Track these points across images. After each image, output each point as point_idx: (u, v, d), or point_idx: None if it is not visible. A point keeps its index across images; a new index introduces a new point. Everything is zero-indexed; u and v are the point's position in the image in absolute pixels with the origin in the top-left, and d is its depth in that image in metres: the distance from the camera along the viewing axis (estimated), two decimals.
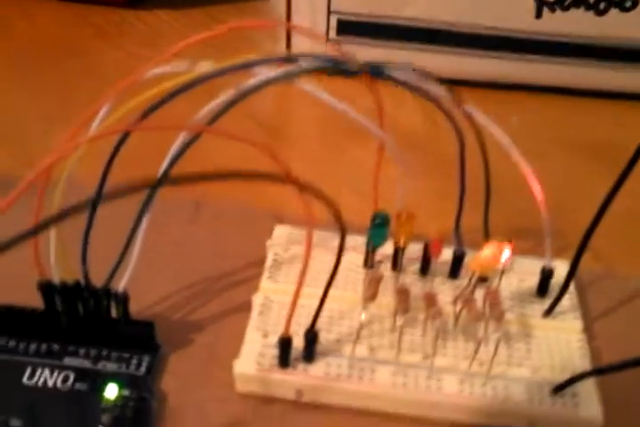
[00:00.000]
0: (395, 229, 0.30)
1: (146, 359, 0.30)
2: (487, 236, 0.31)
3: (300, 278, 0.27)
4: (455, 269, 0.33)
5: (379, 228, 0.29)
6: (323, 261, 0.35)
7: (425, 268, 0.34)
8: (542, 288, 0.33)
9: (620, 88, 0.53)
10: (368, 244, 0.33)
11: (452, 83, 0.28)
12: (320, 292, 0.32)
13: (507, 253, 0.29)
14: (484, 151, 0.29)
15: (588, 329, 0.33)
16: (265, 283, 0.33)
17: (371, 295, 0.28)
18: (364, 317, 0.28)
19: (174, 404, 0.29)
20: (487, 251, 0.27)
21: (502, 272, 0.31)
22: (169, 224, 0.38)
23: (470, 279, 0.29)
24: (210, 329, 0.32)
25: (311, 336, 0.28)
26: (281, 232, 0.36)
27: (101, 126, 0.25)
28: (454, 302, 0.30)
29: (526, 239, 0.39)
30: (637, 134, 0.28)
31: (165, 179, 0.23)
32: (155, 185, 0.21)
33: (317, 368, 0.29)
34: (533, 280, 0.34)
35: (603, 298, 0.36)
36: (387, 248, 0.35)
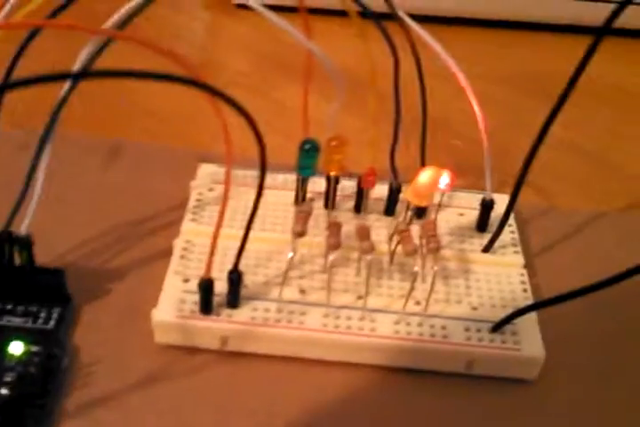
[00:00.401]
0: (325, 158, 0.27)
1: (55, 312, 0.27)
2: (424, 163, 0.29)
3: (221, 212, 0.25)
4: (391, 204, 0.31)
5: (308, 154, 0.26)
6: (251, 200, 0.32)
7: (359, 205, 0.32)
8: (482, 222, 0.31)
9: (551, 20, 0.52)
10: (298, 176, 0.30)
11: (381, 17, 0.25)
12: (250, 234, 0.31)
13: (445, 178, 0.27)
14: (420, 69, 0.26)
15: (529, 265, 0.32)
16: (187, 225, 0.31)
17: (299, 231, 0.26)
18: (291, 255, 0.26)
19: (88, 359, 0.27)
20: (424, 175, 0.25)
21: (440, 204, 0.29)
22: (84, 167, 0.35)
23: (407, 210, 0.27)
24: (129, 277, 0.30)
25: (234, 277, 0.26)
26: (205, 171, 0.33)
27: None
28: (390, 237, 0.28)
29: (465, 175, 0.37)
30: (570, 66, 0.26)
31: (77, 77, 0.20)
32: (63, 76, 0.18)
33: (243, 313, 0.27)
34: (473, 215, 0.32)
35: (543, 233, 0.34)
36: (318, 186, 0.33)
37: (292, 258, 0.26)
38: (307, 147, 0.26)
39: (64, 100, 0.22)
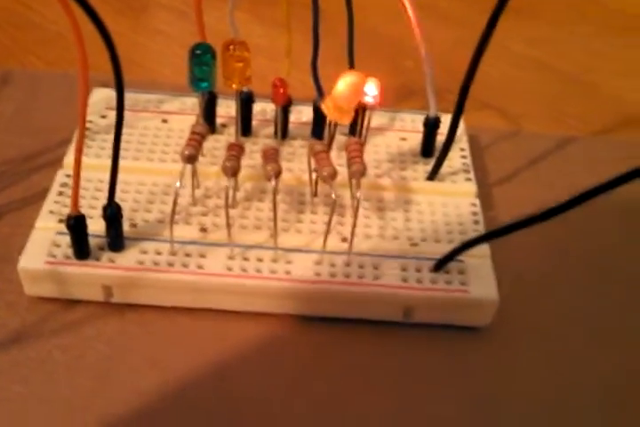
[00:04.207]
0: (224, 69, 0.22)
1: None
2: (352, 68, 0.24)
3: (80, 135, 0.20)
4: (317, 127, 0.26)
5: (200, 61, 0.21)
6: (150, 127, 0.27)
7: (282, 130, 0.26)
8: (427, 146, 0.26)
9: None
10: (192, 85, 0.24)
11: None
12: (145, 165, 0.25)
13: (372, 88, 0.22)
14: None
15: (485, 196, 0.27)
16: (71, 157, 0.25)
17: (187, 155, 0.21)
18: (178, 185, 0.21)
19: None
20: (343, 81, 0.20)
21: (368, 122, 0.24)
22: None
23: (328, 129, 0.22)
24: (4, 221, 0.25)
25: (110, 213, 0.21)
26: (99, 96, 0.28)
27: None
28: (308, 161, 0.23)
29: (413, 99, 0.33)
30: None
31: None
32: None
33: (128, 257, 0.22)
34: (418, 139, 0.27)
35: (504, 160, 0.29)
36: (233, 110, 0.28)
37: (179, 188, 0.21)
38: (198, 51, 0.21)
39: None
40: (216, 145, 0.26)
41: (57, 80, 0.31)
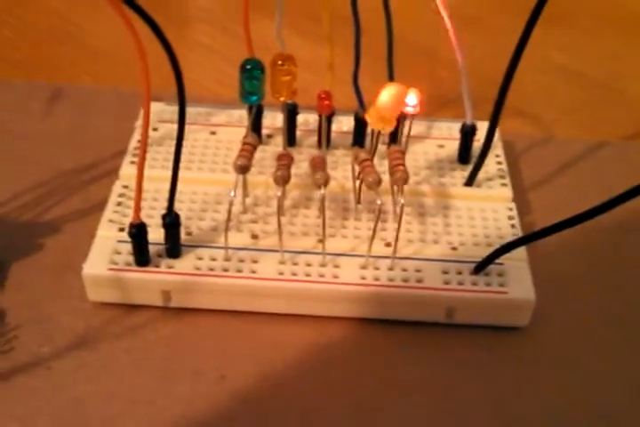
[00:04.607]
0: (272, 82, 0.23)
1: None
2: (392, 80, 0.25)
3: (142, 149, 0.21)
4: (358, 137, 0.27)
5: (250, 75, 0.22)
6: (199, 139, 0.29)
7: (322, 138, 0.28)
8: (464, 153, 0.27)
9: None
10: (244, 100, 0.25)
11: None
12: (195, 175, 0.27)
13: (412, 98, 0.23)
14: None
15: (522, 202, 0.28)
16: (126, 169, 0.27)
17: (240, 165, 0.22)
18: (233, 194, 0.22)
19: (15, 321, 0.23)
20: (385, 92, 0.21)
21: (409, 131, 0.25)
22: (22, 114, 0.32)
23: (372, 138, 0.23)
24: (65, 230, 0.26)
25: (169, 221, 0.22)
26: (152, 110, 0.29)
27: None
28: (352, 169, 0.24)
29: (449, 107, 0.34)
30: None
31: None
32: None
33: (185, 263, 0.23)
34: (455, 146, 0.28)
35: (538, 165, 0.30)
36: (277, 121, 0.29)
37: (233, 197, 0.22)
38: (248, 66, 0.22)
39: None
40: (263, 155, 0.27)
41: (107, 95, 0.33)
